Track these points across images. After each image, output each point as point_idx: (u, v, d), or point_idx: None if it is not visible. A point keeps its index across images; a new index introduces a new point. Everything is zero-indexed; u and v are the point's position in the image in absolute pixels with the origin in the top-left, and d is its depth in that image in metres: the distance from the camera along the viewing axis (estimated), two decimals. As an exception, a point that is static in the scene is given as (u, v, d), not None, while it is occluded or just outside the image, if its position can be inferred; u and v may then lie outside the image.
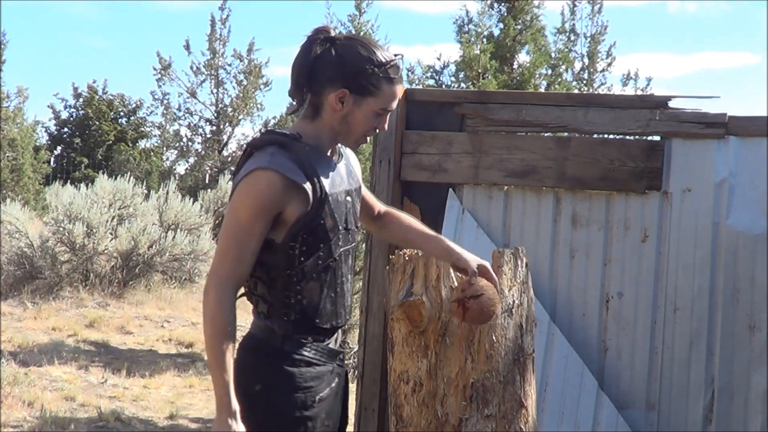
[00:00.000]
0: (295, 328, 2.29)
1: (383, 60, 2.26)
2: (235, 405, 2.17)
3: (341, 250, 2.30)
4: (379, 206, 2.59)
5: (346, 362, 2.47)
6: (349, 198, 2.34)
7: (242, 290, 2.42)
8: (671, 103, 3.82)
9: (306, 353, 2.27)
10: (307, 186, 2.19)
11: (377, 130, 2.34)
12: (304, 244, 2.22)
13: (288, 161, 2.18)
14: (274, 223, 2.20)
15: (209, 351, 2.28)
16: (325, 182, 2.24)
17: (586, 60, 17.17)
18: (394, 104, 2.32)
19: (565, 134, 4.10)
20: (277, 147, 2.22)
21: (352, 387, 7.17)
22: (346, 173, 2.36)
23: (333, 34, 2.29)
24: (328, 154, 2.31)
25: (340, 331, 2.38)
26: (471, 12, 9.28)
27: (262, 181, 2.16)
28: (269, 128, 2.19)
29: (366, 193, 2.53)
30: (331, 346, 2.33)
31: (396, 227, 2.55)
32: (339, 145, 2.36)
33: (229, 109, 21.03)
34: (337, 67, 2.23)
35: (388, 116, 2.33)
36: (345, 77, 2.23)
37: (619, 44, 23.13)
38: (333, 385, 2.33)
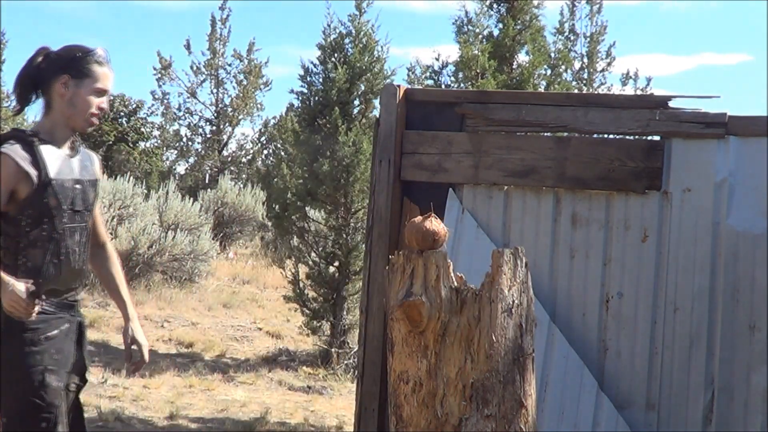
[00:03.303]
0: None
1: (90, 48, 2.89)
2: None
3: (66, 226, 2.83)
4: (104, 236, 3.15)
5: (82, 315, 3.01)
6: (78, 186, 2.88)
7: None
8: (671, 103, 3.82)
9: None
10: (33, 171, 2.74)
11: (101, 111, 2.89)
12: (30, 217, 2.77)
13: (22, 151, 2.75)
14: (9, 199, 2.74)
15: None
16: (51, 170, 2.78)
17: (585, 60, 17.19)
18: (109, 84, 2.89)
19: (565, 134, 4.10)
20: (16, 140, 2.78)
21: (352, 387, 7.15)
22: (79, 166, 2.91)
23: (51, 49, 2.89)
24: (64, 148, 2.87)
25: (77, 290, 2.94)
26: (470, 12, 9.28)
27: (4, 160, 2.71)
28: (20, 128, 3.04)
29: (98, 215, 3.09)
30: (68, 300, 2.88)
31: (101, 265, 3.14)
32: (79, 144, 2.94)
33: (229, 109, 21.04)
34: (56, 62, 2.85)
35: (106, 97, 2.90)
36: (64, 67, 2.83)
37: (617, 44, 23.12)
38: (63, 328, 2.84)
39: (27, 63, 2.88)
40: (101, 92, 2.88)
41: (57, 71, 2.83)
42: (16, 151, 2.74)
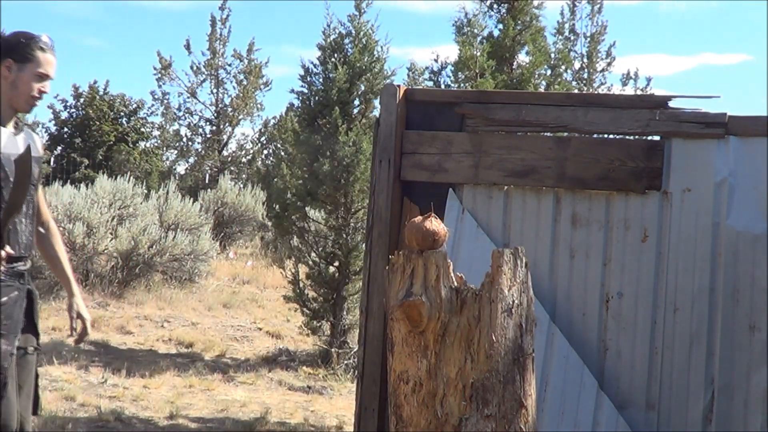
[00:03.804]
0: None
1: (34, 35, 3.07)
2: None
3: None
4: (46, 215, 3.32)
5: (31, 284, 3.17)
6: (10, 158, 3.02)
7: None
8: (671, 103, 3.82)
9: None
10: None
11: (42, 94, 3.06)
12: None
13: None
14: None
15: None
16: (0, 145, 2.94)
17: (585, 60, 17.19)
18: (50, 70, 3.08)
19: (565, 134, 4.10)
20: None
21: (352, 387, 7.15)
22: (24, 143, 3.06)
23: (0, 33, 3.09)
24: (9, 126, 3.05)
25: (25, 260, 3.10)
26: (469, 13, 9.28)
27: None
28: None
29: (41, 195, 3.26)
30: (18, 269, 3.05)
31: (46, 244, 3.31)
32: (23, 124, 3.14)
33: (229, 109, 21.03)
34: (3, 47, 3.03)
35: (48, 82, 3.08)
36: (7, 51, 3.02)
37: (617, 44, 23.10)
38: (12, 295, 3.02)
39: None
40: (43, 77, 3.07)
41: (4, 54, 3.04)
42: None
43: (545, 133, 4.09)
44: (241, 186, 16.79)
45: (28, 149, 3.03)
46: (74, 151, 21.51)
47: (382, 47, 8.36)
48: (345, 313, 8.31)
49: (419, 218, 2.71)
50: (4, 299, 3.00)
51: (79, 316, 3.28)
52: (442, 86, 9.23)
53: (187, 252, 10.76)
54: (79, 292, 3.33)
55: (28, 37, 3.07)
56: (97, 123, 21.56)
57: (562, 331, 3.81)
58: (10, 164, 2.99)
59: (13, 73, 3.04)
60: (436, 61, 9.36)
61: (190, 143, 21.92)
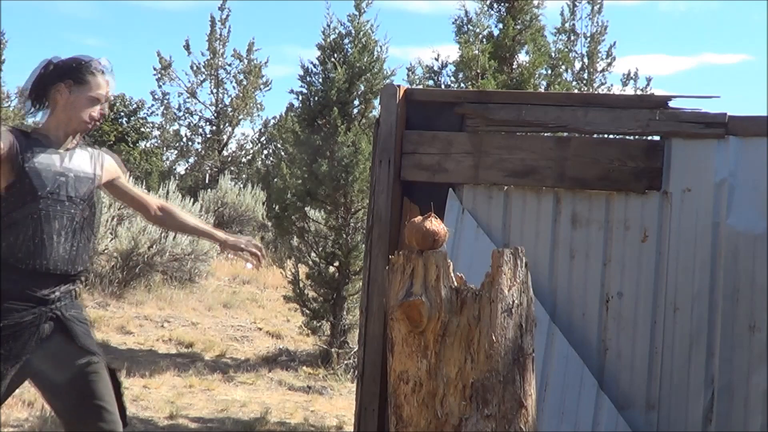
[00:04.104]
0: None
1: (87, 59, 3.13)
2: None
3: (43, 212, 2.96)
4: (154, 202, 3.40)
5: (68, 313, 3.04)
6: (63, 179, 3.04)
7: None
8: (671, 103, 3.82)
9: (4, 293, 2.88)
10: (14, 158, 2.94)
11: (98, 116, 3.11)
12: (13, 196, 2.93)
13: (14, 140, 2.96)
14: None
15: None
16: (34, 159, 2.97)
17: (585, 60, 17.19)
18: (102, 92, 3.11)
19: (565, 134, 4.10)
20: (10, 131, 3.01)
21: (352, 387, 7.15)
22: (68, 160, 3.08)
23: (56, 60, 3.14)
24: (62, 145, 3.07)
25: (62, 285, 3.01)
26: (470, 12, 9.28)
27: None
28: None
29: (129, 189, 3.39)
30: (39, 293, 2.93)
31: (170, 221, 3.39)
32: (83, 145, 3.16)
33: (229, 109, 21.03)
34: (56, 71, 3.09)
35: (102, 105, 3.11)
36: (62, 75, 3.07)
37: (617, 44, 23.09)
38: (26, 319, 2.90)
39: (35, 74, 3.14)
40: (96, 100, 3.11)
41: (56, 79, 3.07)
42: (11, 131, 3.01)
43: (545, 133, 4.09)
44: (241, 186, 16.79)
45: (67, 167, 3.07)
46: (74, 151, 21.46)
47: (381, 47, 8.37)
48: (345, 313, 8.31)
49: (419, 218, 2.71)
50: (10, 323, 2.88)
51: (244, 248, 3.34)
52: (442, 86, 9.23)
53: (187, 252, 10.77)
54: (224, 234, 3.41)
55: (81, 61, 3.12)
56: (97, 123, 21.56)
57: (562, 331, 3.81)
58: (40, 178, 2.98)
59: (66, 97, 3.07)
60: (437, 60, 9.35)
61: (190, 143, 21.94)
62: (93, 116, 3.11)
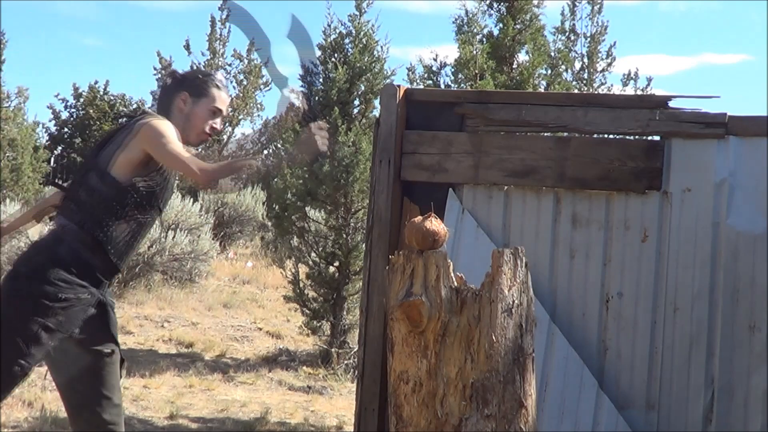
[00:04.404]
0: (92, 245, 3.00)
1: (209, 72, 3.34)
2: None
3: (150, 219, 3.12)
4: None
5: (112, 301, 3.17)
6: (173, 191, 3.24)
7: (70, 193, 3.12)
8: (671, 103, 3.82)
9: (76, 267, 2.96)
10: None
11: (214, 130, 3.21)
12: (139, 197, 3.03)
13: None
14: (142, 163, 3.02)
15: (228, 172, 3.04)
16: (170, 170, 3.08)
17: (585, 60, 17.18)
18: (222, 106, 3.21)
19: (565, 134, 4.10)
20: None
21: (352, 387, 7.14)
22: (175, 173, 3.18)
23: (179, 71, 3.30)
24: None
25: (115, 274, 3.16)
26: (470, 11, 9.27)
27: (168, 123, 3.06)
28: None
29: None
30: (101, 279, 3.04)
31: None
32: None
33: (229, 109, 21.01)
34: (180, 80, 3.22)
35: (220, 118, 3.23)
36: (184, 85, 3.19)
37: (617, 44, 23.07)
38: (82, 296, 2.96)
39: (162, 87, 3.30)
40: (216, 112, 3.21)
41: (178, 89, 3.19)
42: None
43: (545, 133, 4.09)
44: (241, 186, 16.76)
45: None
46: (74, 151, 21.52)
47: (382, 47, 8.36)
48: (345, 313, 8.31)
49: (419, 218, 2.71)
50: (70, 296, 2.96)
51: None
52: (442, 86, 9.23)
53: (187, 252, 10.76)
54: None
55: (205, 74, 3.29)
56: (98, 123, 21.57)
57: (562, 331, 3.81)
58: (167, 188, 3.15)
59: (188, 107, 3.16)
60: (435, 60, 9.35)
61: (190, 143, 21.90)
62: (214, 128, 3.21)
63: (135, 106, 22.21)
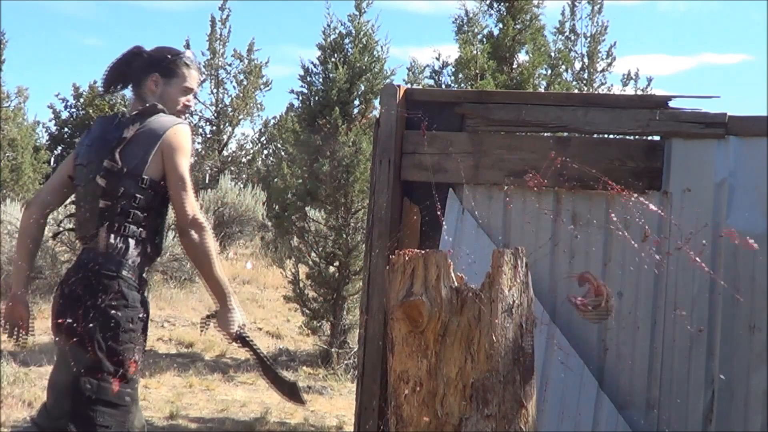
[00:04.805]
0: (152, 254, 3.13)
1: (179, 51, 3.18)
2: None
3: (166, 222, 3.14)
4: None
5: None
6: None
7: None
8: (671, 103, 3.82)
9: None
10: None
11: (187, 107, 3.16)
12: (161, 200, 3.04)
13: None
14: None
15: (212, 259, 3.05)
16: None
17: (585, 60, 17.19)
18: (194, 84, 3.17)
19: (565, 134, 4.10)
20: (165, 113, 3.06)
21: (352, 387, 7.14)
22: None
23: (143, 48, 3.17)
24: None
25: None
26: (470, 11, 9.28)
27: (189, 132, 3.03)
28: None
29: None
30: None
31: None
32: None
33: (229, 109, 21.02)
34: (148, 61, 3.13)
35: (192, 95, 3.18)
36: (154, 66, 3.12)
37: (617, 44, 23.06)
38: (148, 310, 3.05)
39: (119, 58, 3.16)
40: (188, 90, 3.17)
41: (148, 70, 3.13)
42: None
43: (545, 133, 4.09)
44: (241, 186, 16.78)
45: None
46: (74, 151, 21.46)
47: (382, 47, 8.37)
48: (345, 313, 8.31)
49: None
50: (142, 316, 2.99)
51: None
52: (442, 86, 9.23)
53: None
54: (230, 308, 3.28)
55: (174, 53, 3.18)
56: (97, 123, 21.55)
57: (562, 331, 3.81)
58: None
59: (160, 88, 3.13)
60: (437, 59, 9.36)
61: (190, 143, 21.89)
62: (187, 105, 3.18)
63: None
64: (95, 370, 2.84)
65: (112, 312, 2.86)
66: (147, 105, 3.06)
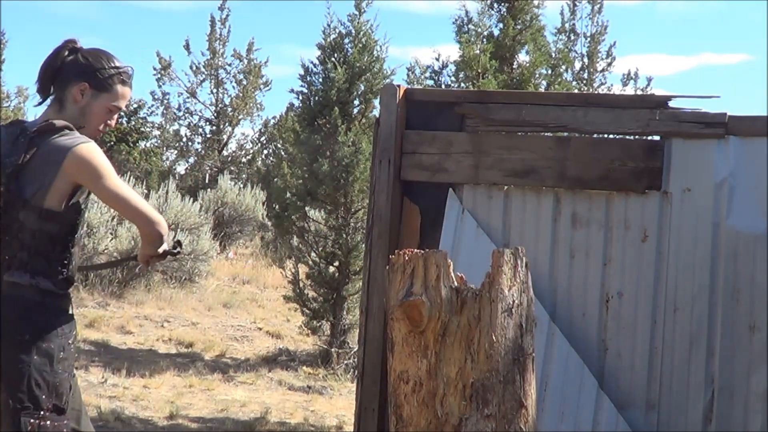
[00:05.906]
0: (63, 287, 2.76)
1: (119, 65, 2.80)
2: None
3: (79, 234, 2.79)
4: None
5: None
6: None
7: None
8: (671, 103, 3.82)
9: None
10: None
11: (107, 127, 2.82)
12: (73, 220, 2.73)
13: None
14: (71, 192, 2.67)
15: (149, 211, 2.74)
16: None
17: (585, 60, 17.19)
18: (123, 104, 2.82)
19: (565, 134, 4.10)
20: (71, 130, 2.67)
21: (352, 387, 7.15)
22: None
23: (79, 45, 2.79)
24: None
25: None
26: (470, 12, 9.29)
27: (95, 147, 2.66)
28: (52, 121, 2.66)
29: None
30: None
31: None
32: None
33: (229, 109, 21.03)
34: (82, 66, 2.74)
35: (116, 116, 2.83)
36: (87, 74, 2.72)
37: (617, 44, 23.06)
38: (74, 327, 2.80)
39: (52, 55, 2.77)
40: (114, 110, 2.81)
41: (79, 76, 2.73)
42: None
43: (545, 133, 4.09)
44: (241, 186, 16.79)
45: None
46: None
47: (381, 47, 8.37)
48: (345, 313, 8.31)
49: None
50: (70, 332, 2.73)
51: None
52: (443, 86, 9.24)
53: (187, 252, 10.76)
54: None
55: (113, 66, 2.78)
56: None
57: (562, 331, 3.81)
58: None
59: (85, 100, 2.74)
60: (437, 59, 9.36)
61: (190, 143, 21.93)
62: (109, 125, 2.84)
63: (135, 106, 22.20)
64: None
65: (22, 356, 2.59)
66: (46, 122, 2.68)
